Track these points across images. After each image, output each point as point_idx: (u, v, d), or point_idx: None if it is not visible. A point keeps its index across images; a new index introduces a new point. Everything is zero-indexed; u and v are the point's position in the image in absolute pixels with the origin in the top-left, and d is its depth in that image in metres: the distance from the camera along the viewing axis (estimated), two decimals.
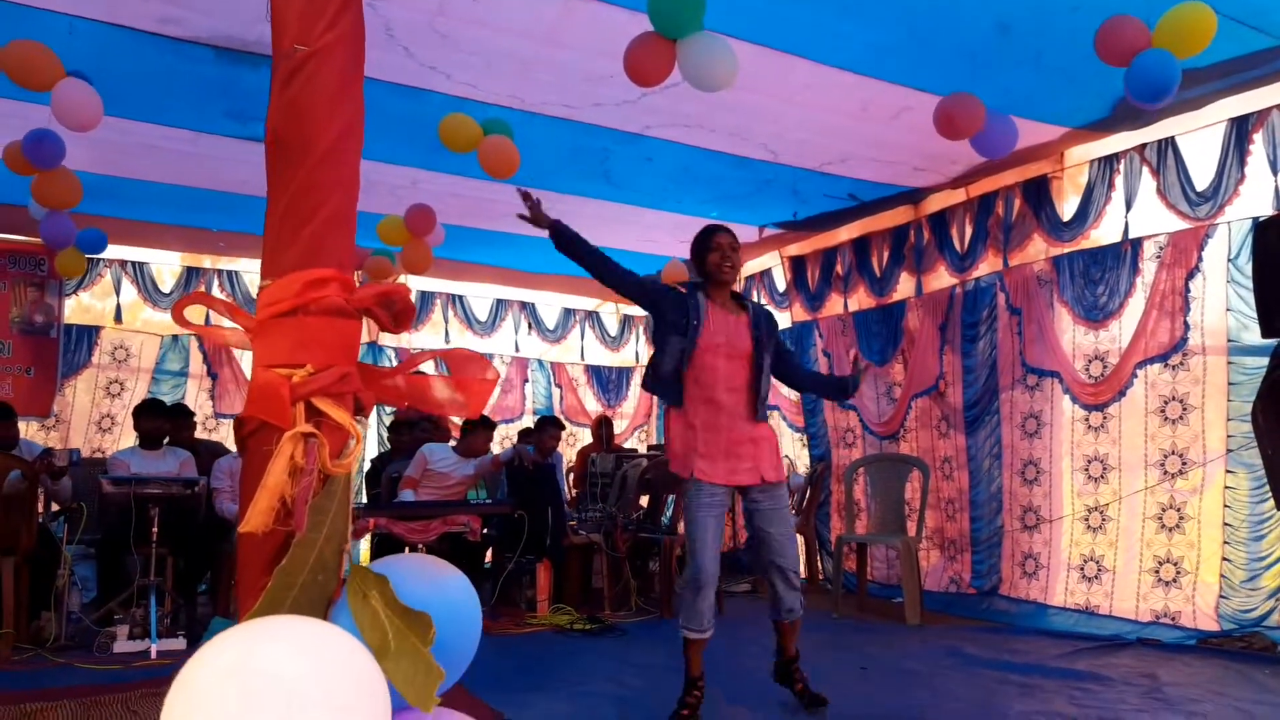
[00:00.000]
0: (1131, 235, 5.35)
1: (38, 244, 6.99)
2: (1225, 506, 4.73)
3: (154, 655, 4.73)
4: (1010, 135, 4.42)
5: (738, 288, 8.40)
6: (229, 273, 8.04)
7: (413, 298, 8.66)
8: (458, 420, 7.84)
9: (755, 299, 8.28)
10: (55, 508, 5.79)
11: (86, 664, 4.54)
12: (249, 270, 8.07)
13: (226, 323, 1.18)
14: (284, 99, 1.00)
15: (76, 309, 7.63)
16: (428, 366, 1.20)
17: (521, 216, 3.72)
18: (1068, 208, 5.70)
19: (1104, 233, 5.55)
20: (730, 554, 7.45)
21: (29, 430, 7.07)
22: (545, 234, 3.73)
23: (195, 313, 1.20)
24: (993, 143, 4.36)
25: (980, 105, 4.36)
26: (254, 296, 7.95)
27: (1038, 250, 5.90)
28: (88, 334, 7.58)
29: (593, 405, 9.76)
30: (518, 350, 9.42)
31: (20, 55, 3.75)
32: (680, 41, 3.38)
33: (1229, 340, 4.83)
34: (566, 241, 3.67)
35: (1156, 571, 5.06)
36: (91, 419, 7.58)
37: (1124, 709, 3.62)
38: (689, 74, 3.45)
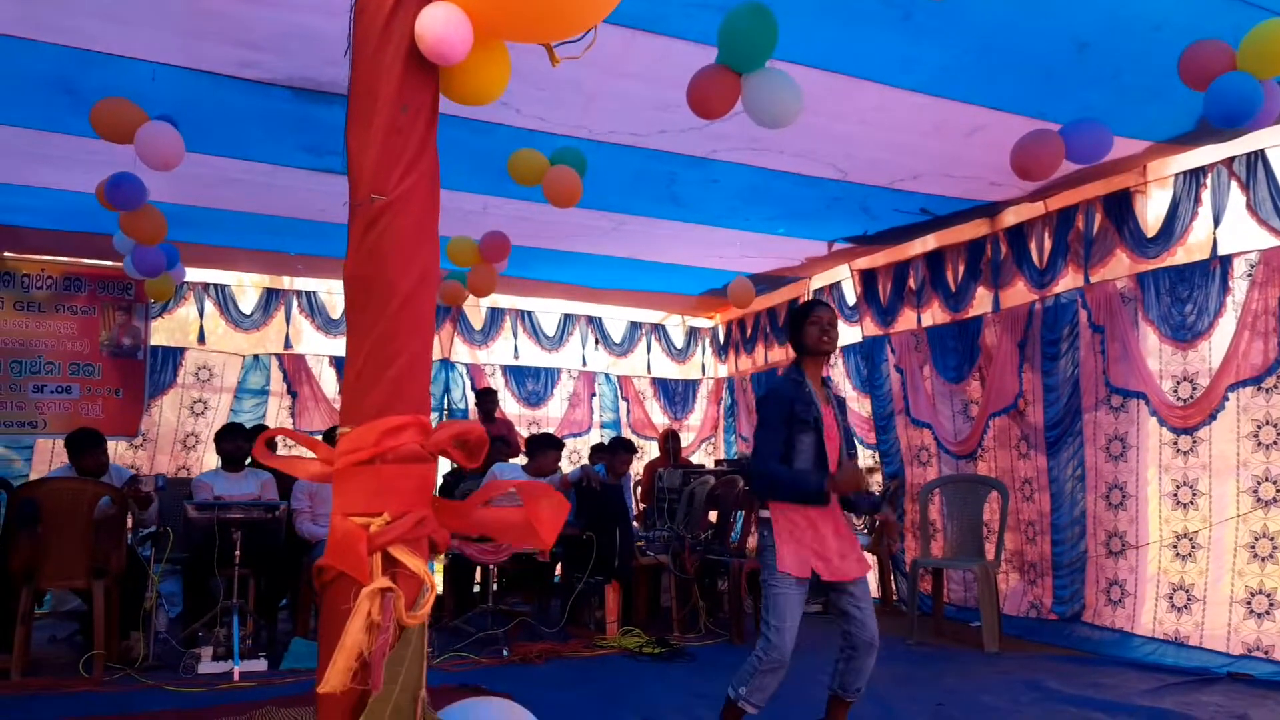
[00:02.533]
0: (1221, 252, 5.14)
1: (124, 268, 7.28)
2: None
3: (236, 677, 4.87)
4: (1103, 142, 4.26)
5: (806, 296, 8.39)
6: (307, 293, 8.24)
7: (482, 314, 8.80)
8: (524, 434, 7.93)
9: None
10: (143, 531, 5.99)
11: (173, 686, 4.69)
12: (327, 290, 8.27)
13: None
14: (364, 246, 1.01)
15: (161, 330, 7.91)
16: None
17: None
18: (1152, 222, 5.51)
19: (1191, 249, 5.34)
20: None
21: (118, 449, 7.35)
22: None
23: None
24: (1084, 149, 4.21)
25: (1058, 141, 4.22)
26: (332, 316, 8.15)
27: (1121, 266, 5.71)
28: (172, 355, 7.85)
29: (659, 418, 9.76)
30: (585, 364, 9.48)
31: (107, 112, 3.90)
32: (746, 76, 3.34)
33: None
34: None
35: (1248, 603, 4.85)
36: (176, 437, 7.85)
37: None
38: (752, 109, 3.42)
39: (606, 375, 9.66)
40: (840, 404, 3.72)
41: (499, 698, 1.19)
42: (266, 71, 4.25)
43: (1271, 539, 4.79)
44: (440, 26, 1.03)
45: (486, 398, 8.27)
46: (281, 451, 7.40)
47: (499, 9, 1.09)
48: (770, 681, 3.41)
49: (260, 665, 5.05)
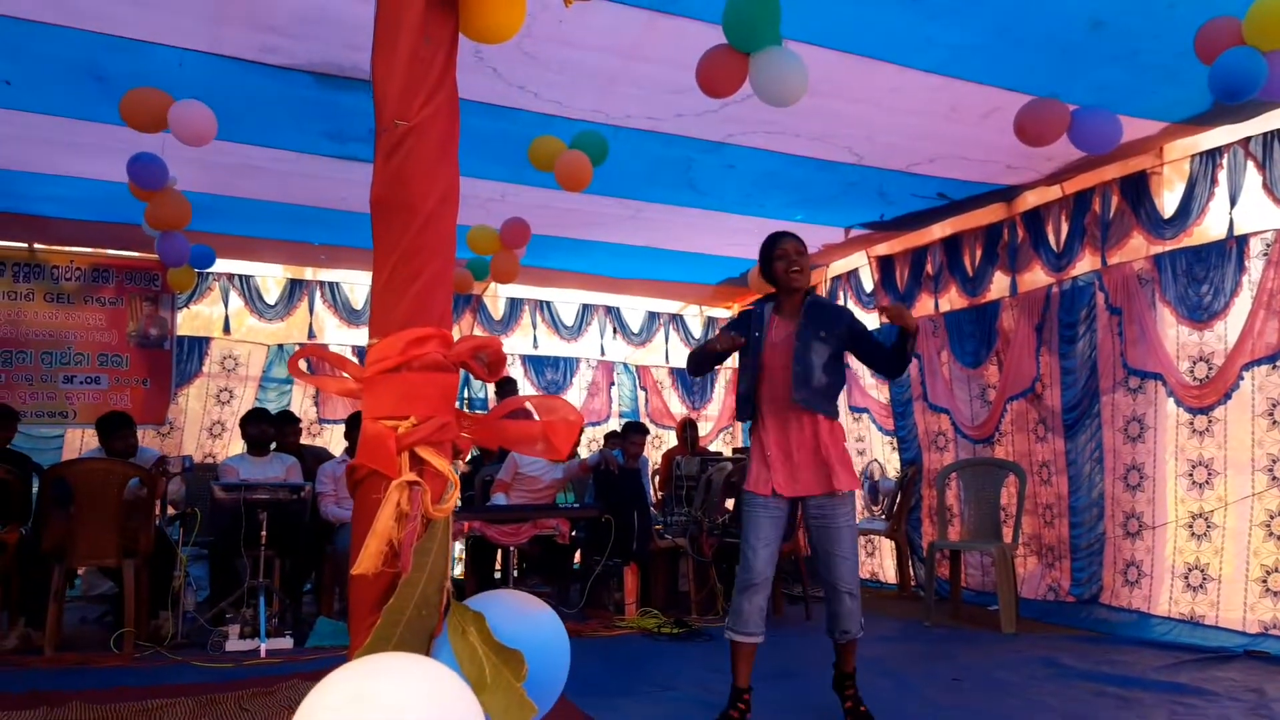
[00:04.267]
0: (1237, 232, 5.14)
1: (151, 259, 7.42)
2: None
3: (263, 654, 4.96)
4: (1114, 131, 4.28)
5: (823, 290, 8.42)
6: (330, 284, 8.35)
7: (501, 304, 8.89)
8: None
9: (841, 300, 8.22)
10: (171, 512, 6.11)
11: (201, 662, 4.79)
12: (349, 281, 8.38)
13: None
14: (388, 170, 1.08)
15: (187, 321, 8.04)
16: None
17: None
18: (1168, 204, 5.51)
19: (1207, 230, 5.34)
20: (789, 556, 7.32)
21: (145, 438, 7.48)
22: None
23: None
24: (1094, 138, 4.24)
25: (1064, 110, 4.24)
26: (354, 307, 8.27)
27: (1138, 248, 5.71)
28: (198, 345, 7.97)
29: (677, 407, 9.81)
30: (603, 354, 9.55)
31: (136, 102, 4.00)
32: (753, 56, 3.39)
33: None
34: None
35: (1265, 581, 4.85)
36: (203, 425, 7.98)
37: None
38: (759, 88, 3.46)
39: (625, 365, 9.73)
40: (811, 315, 3.61)
41: (520, 591, 1.26)
42: (288, 56, 4.33)
43: None
44: None
45: (506, 387, 8.35)
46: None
47: None
48: (743, 604, 3.47)
49: (286, 643, 5.15)
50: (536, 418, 1.15)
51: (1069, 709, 3.84)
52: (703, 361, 3.74)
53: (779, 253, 3.65)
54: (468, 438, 1.11)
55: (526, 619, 1.13)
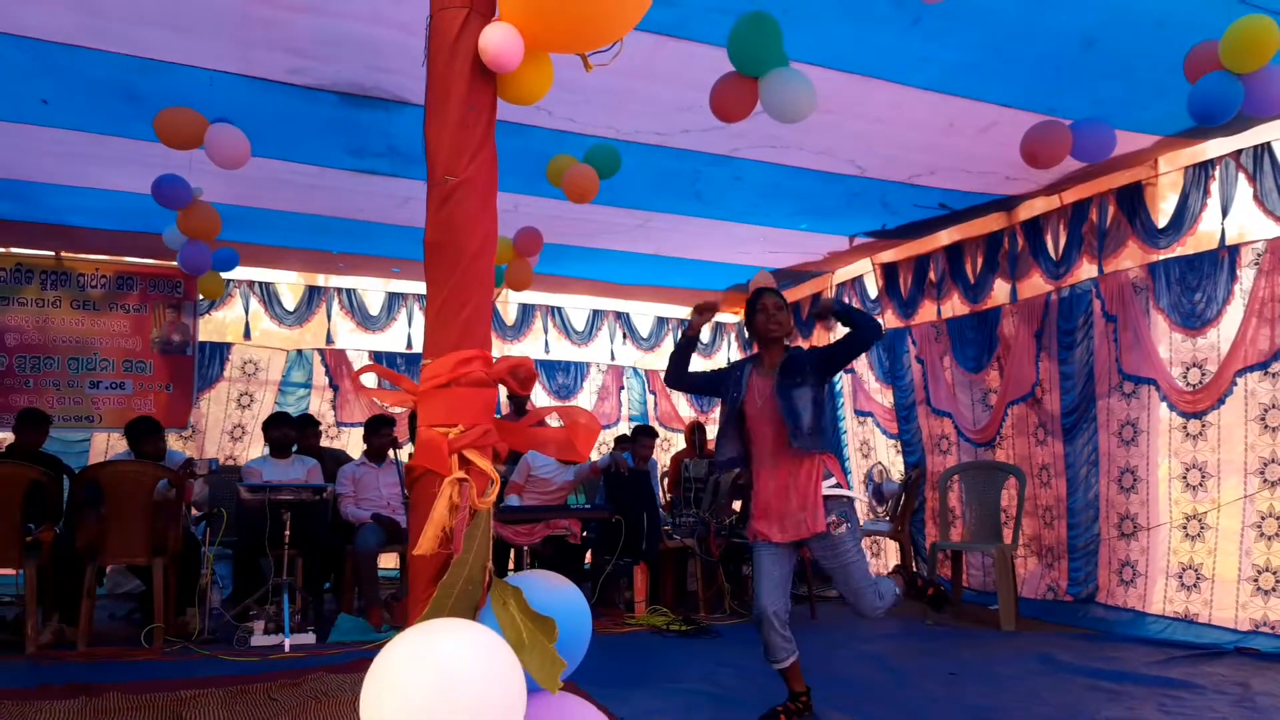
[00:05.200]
0: (1229, 242, 5.30)
1: (174, 267, 7.64)
2: None
3: (287, 649, 5.17)
4: (1108, 141, 4.45)
5: (829, 295, 8.59)
6: (347, 290, 8.57)
7: (514, 311, 9.09)
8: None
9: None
10: (196, 513, 6.33)
11: (228, 656, 5.00)
12: (365, 287, 8.60)
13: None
14: (439, 217, 1.28)
15: (209, 327, 8.27)
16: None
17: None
18: (1163, 214, 5.68)
19: (1200, 239, 5.51)
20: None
21: (168, 441, 7.70)
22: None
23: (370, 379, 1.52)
24: (1089, 148, 4.40)
25: (1065, 130, 4.41)
26: (370, 312, 8.47)
27: (1133, 257, 5.88)
28: (220, 350, 8.20)
29: (686, 411, 10.00)
30: (613, 359, 9.75)
31: (171, 120, 4.21)
32: (761, 79, 3.58)
33: None
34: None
35: (1256, 580, 5.01)
36: (224, 429, 8.21)
37: (1211, 716, 3.66)
38: (771, 108, 3.64)
39: (634, 369, 9.92)
40: (787, 368, 3.83)
41: (549, 571, 1.45)
42: (314, 78, 4.54)
43: (1278, 518, 4.95)
44: (498, 42, 1.29)
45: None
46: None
47: (544, 28, 1.35)
48: (769, 638, 3.76)
49: (309, 639, 5.35)
50: (558, 424, 1.35)
51: (1060, 701, 4.01)
52: (677, 368, 4.10)
53: (759, 307, 3.94)
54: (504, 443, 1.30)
55: (556, 593, 1.32)
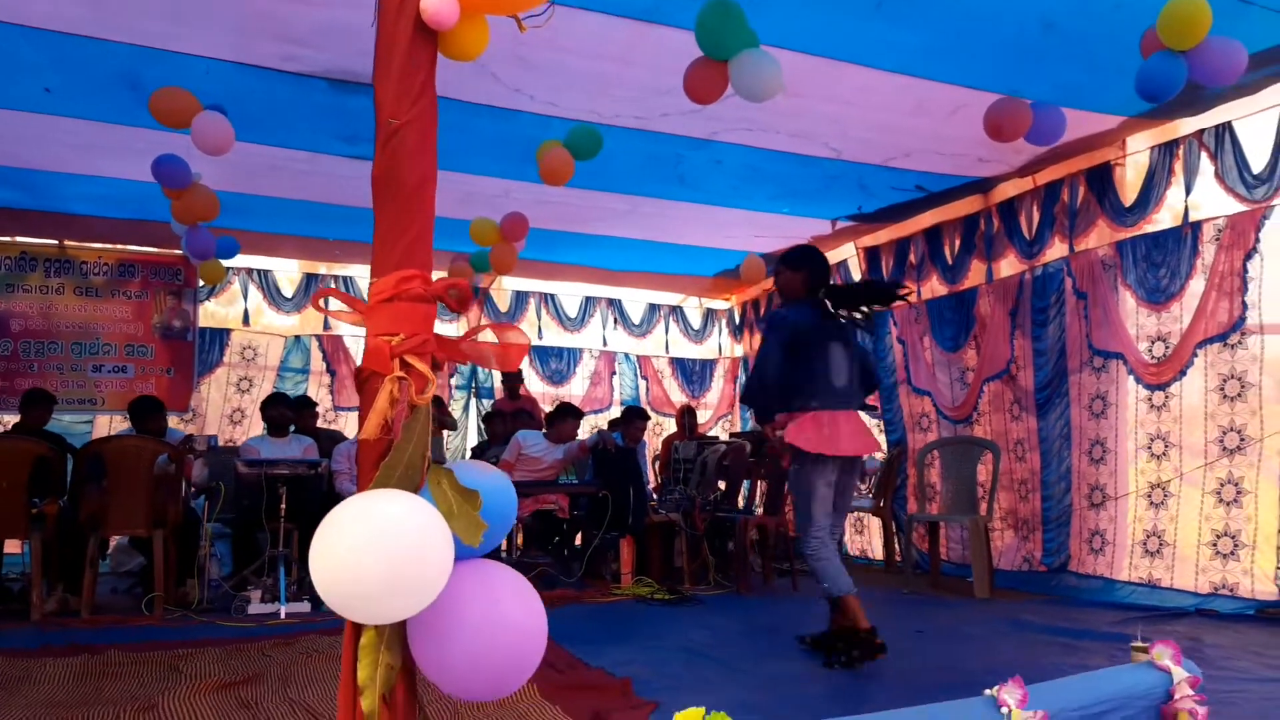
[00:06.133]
0: (1191, 219, 5.49)
1: (175, 255, 7.86)
2: None
3: (283, 616, 5.37)
4: (1058, 125, 4.63)
5: None
6: (344, 278, 8.79)
7: (508, 299, 9.28)
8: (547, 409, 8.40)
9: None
10: (196, 490, 6.53)
11: (226, 622, 5.20)
12: (363, 275, 8.80)
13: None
14: (384, 155, 1.48)
15: (209, 314, 8.48)
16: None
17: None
18: (1130, 193, 5.86)
19: (1165, 217, 5.70)
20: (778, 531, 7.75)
21: (170, 423, 7.91)
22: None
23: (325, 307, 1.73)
24: (1041, 132, 4.59)
25: (1026, 108, 4.59)
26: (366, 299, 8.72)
27: (1102, 235, 6.06)
28: (219, 336, 8.41)
29: (677, 396, 10.20)
30: (605, 344, 9.95)
31: (166, 100, 4.41)
32: (730, 61, 3.76)
33: None
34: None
35: (1215, 544, 5.20)
36: (224, 413, 8.42)
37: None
38: (740, 89, 3.83)
39: (626, 355, 10.12)
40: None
41: (481, 461, 1.65)
42: (306, 65, 4.73)
43: (1235, 484, 5.13)
44: (436, 4, 1.49)
45: (511, 376, 8.75)
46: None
47: None
48: (833, 561, 4.06)
49: (304, 607, 5.54)
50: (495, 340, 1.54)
51: (1018, 654, 4.21)
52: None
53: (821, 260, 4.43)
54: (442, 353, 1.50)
55: (484, 475, 1.52)
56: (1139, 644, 2.20)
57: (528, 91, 5.05)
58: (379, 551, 1.20)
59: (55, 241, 7.85)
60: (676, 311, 10.37)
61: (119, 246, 8.03)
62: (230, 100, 4.81)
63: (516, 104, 5.21)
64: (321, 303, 1.69)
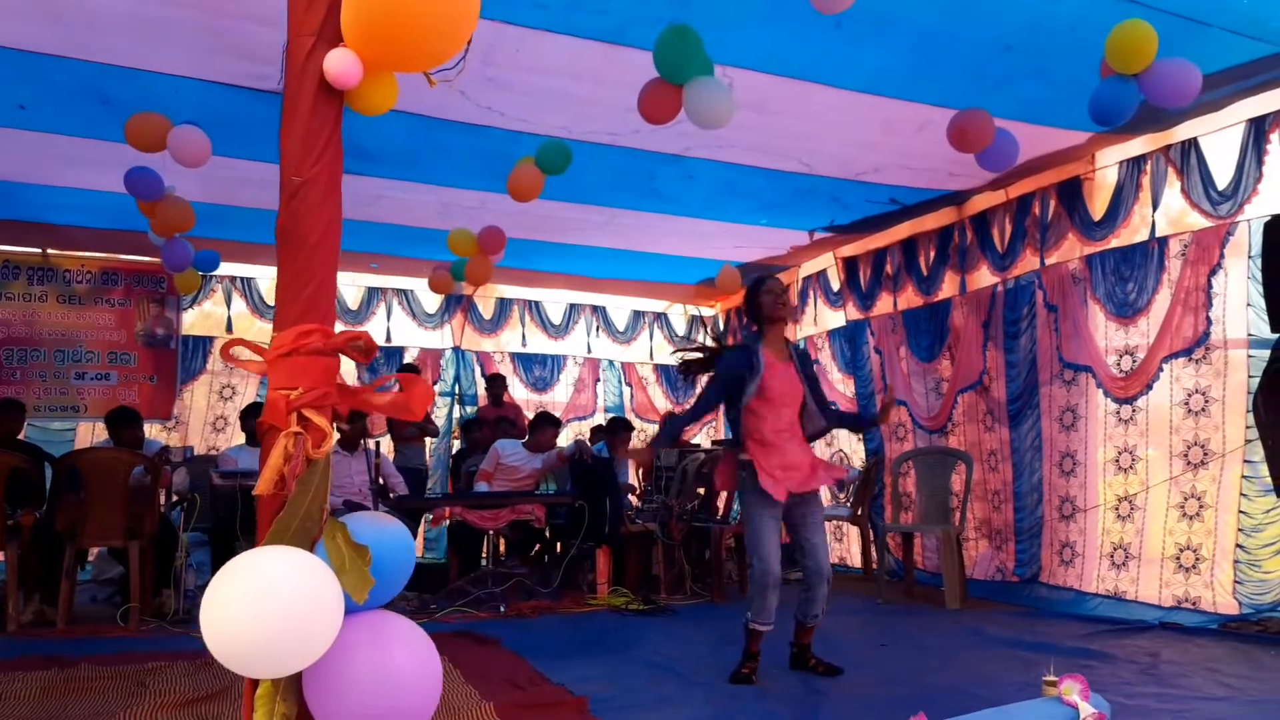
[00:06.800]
0: (1158, 234, 5.53)
1: (157, 264, 7.87)
2: (1241, 495, 4.91)
3: None
4: (1011, 151, 4.69)
5: (794, 291, 8.82)
6: None
7: (492, 305, 9.30)
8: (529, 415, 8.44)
9: (810, 299, 8.63)
10: (174, 498, 6.57)
11: (198, 635, 5.22)
12: (343, 283, 8.82)
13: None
14: (287, 211, 1.53)
15: (192, 321, 8.51)
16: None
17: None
18: (1099, 208, 5.90)
19: (1133, 232, 5.74)
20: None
21: (152, 432, 7.95)
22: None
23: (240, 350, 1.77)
24: (994, 157, 4.64)
25: (989, 119, 4.64)
26: (350, 307, 8.70)
27: (1072, 249, 6.11)
28: (203, 344, 8.45)
29: (662, 403, 10.25)
30: (589, 351, 9.99)
31: (140, 124, 4.46)
32: (684, 87, 3.81)
33: (1249, 334, 5.00)
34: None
35: (1178, 558, 5.25)
36: (207, 420, 8.46)
37: (1112, 681, 3.89)
38: (691, 114, 3.87)
39: (611, 362, 10.16)
40: (803, 359, 4.36)
41: (380, 513, 1.69)
42: (275, 83, 4.76)
43: (1199, 499, 5.18)
44: (338, 65, 1.53)
45: (495, 383, 8.79)
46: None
47: (380, 52, 1.58)
48: (771, 599, 4.02)
49: None
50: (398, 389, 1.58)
51: (977, 666, 4.26)
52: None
53: (766, 289, 4.28)
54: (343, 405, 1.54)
55: (379, 528, 1.56)
56: (1050, 678, 2.24)
57: (498, 109, 5.09)
58: (264, 608, 1.25)
59: (38, 250, 7.88)
60: (661, 319, 10.41)
61: (102, 255, 8.06)
62: (204, 117, 4.84)
63: (488, 120, 5.24)
64: (232, 351, 1.72)
